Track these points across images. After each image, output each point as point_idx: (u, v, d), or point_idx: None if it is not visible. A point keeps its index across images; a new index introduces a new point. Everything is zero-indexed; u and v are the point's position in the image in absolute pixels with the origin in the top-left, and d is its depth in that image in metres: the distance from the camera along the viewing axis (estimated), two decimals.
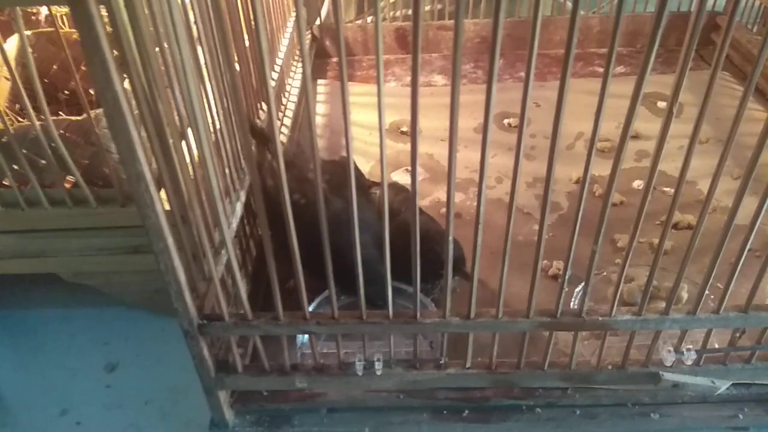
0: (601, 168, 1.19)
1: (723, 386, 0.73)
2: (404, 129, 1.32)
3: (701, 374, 0.72)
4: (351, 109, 1.44)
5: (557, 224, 1.07)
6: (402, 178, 1.18)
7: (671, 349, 0.70)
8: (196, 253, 0.66)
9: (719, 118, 1.29)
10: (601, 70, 1.54)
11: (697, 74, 1.41)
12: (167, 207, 0.57)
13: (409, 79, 1.72)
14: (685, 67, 0.50)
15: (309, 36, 1.65)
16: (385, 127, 1.43)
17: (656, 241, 1.01)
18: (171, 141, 0.57)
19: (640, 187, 1.13)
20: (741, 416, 0.78)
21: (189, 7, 0.67)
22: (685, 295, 0.85)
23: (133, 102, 0.51)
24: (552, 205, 1.12)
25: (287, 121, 1.23)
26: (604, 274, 0.94)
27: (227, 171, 0.79)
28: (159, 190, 0.54)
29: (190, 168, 0.63)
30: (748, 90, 0.52)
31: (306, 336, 0.77)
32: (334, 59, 1.65)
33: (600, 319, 0.66)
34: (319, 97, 1.51)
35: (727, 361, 0.72)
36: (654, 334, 0.69)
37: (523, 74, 0.48)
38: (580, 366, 0.73)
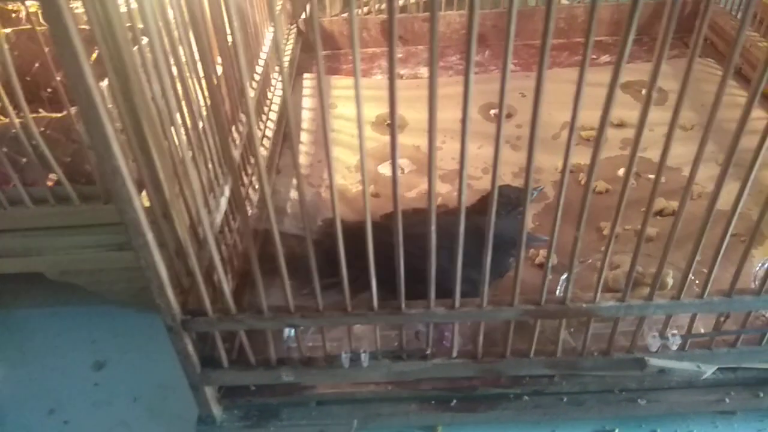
0: (586, 157, 1.19)
1: (709, 371, 0.73)
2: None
3: (687, 359, 0.73)
4: (337, 102, 1.43)
5: (543, 213, 1.07)
6: (389, 170, 1.18)
7: (656, 334, 0.70)
8: (180, 248, 0.65)
9: (704, 105, 1.29)
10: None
11: (682, 62, 1.41)
12: (147, 203, 0.57)
13: (397, 71, 1.71)
14: (662, 53, 0.50)
15: (294, 30, 1.64)
16: (371, 120, 1.41)
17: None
18: (150, 136, 0.56)
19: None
20: (728, 400, 0.78)
21: (167, 1, 0.67)
22: (670, 281, 0.85)
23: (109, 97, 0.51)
24: (538, 195, 1.12)
25: (273, 115, 1.23)
26: (590, 261, 0.94)
27: (210, 166, 0.79)
28: (141, 190, 0.54)
29: (171, 163, 0.63)
30: (727, 73, 0.52)
31: (293, 330, 0.77)
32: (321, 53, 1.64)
33: (584, 306, 0.66)
34: (306, 91, 1.51)
35: (712, 345, 0.72)
36: (639, 320, 0.69)
37: (510, 66, 0.48)
38: (566, 353, 0.73)
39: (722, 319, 0.70)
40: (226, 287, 0.63)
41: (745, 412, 0.80)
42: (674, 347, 0.70)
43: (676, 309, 0.67)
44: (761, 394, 0.78)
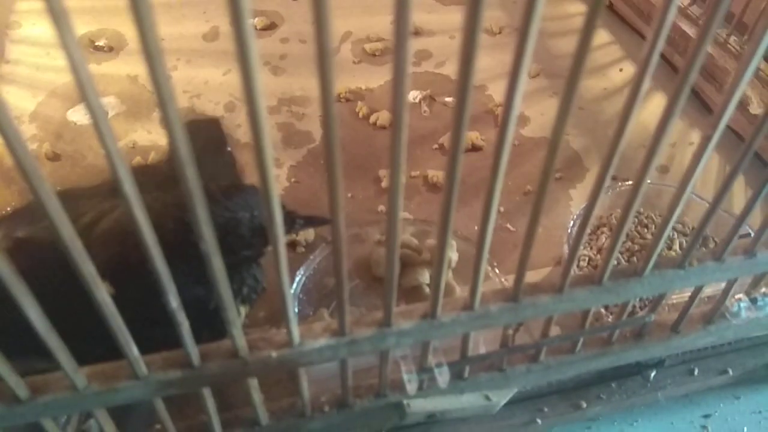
0: (370, 78, 0.89)
1: (503, 400, 0.48)
2: (101, 43, 0.92)
3: (469, 390, 0.47)
4: (22, 20, 0.99)
5: (304, 163, 0.76)
6: (85, 115, 0.80)
7: (412, 369, 0.43)
8: None
9: (516, 2, 1.03)
10: None
11: None
12: None
13: None
14: None
15: None
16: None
17: (432, 173, 0.74)
18: None
19: (417, 100, 0.85)
20: (540, 420, 0.55)
21: None
22: (454, 257, 0.58)
23: None
24: (300, 136, 0.81)
25: None
26: (356, 233, 0.65)
27: None
28: None
29: None
30: None
31: None
32: None
33: (273, 355, 0.37)
34: None
35: (504, 364, 0.47)
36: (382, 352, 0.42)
37: None
38: (282, 414, 0.44)
39: (510, 331, 0.44)
40: None
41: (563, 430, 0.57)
42: (443, 383, 0.43)
43: (430, 334, 0.39)
44: (583, 404, 0.55)
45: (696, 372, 0.57)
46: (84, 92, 0.22)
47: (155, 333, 0.37)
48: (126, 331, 0.32)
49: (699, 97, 0.87)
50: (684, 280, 0.42)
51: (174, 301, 0.31)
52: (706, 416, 0.58)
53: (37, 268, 0.29)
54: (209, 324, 0.44)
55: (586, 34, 0.26)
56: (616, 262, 0.39)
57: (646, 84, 0.28)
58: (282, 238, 0.30)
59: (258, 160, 0.26)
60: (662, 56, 0.61)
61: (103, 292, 0.29)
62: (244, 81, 0.23)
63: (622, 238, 0.37)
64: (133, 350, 0.33)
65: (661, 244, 0.39)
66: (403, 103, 0.26)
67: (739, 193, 0.75)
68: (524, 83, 0.27)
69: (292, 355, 0.36)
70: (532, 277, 0.39)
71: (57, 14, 0.20)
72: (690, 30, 0.87)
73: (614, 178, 0.67)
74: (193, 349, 0.34)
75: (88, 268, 0.28)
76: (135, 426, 0.44)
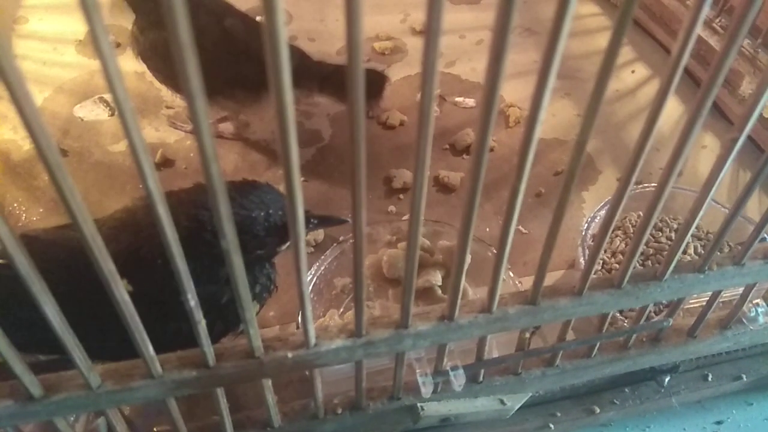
0: None
1: (517, 404, 0.48)
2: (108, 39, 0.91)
3: (483, 393, 0.47)
4: (29, 15, 0.99)
5: (314, 162, 0.76)
6: (92, 111, 0.79)
7: (427, 372, 0.42)
8: None
9: (526, 1, 1.02)
10: None
11: None
12: None
13: None
14: None
15: None
16: (77, 39, 0.96)
17: (444, 173, 0.73)
18: None
19: None
20: (552, 426, 0.54)
21: None
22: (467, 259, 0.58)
23: None
24: (309, 135, 0.80)
25: None
26: (368, 231, 0.65)
27: None
28: None
29: None
30: None
31: None
32: None
33: (289, 355, 0.36)
34: None
35: (519, 368, 0.46)
36: (398, 355, 0.41)
37: None
38: (294, 415, 0.44)
39: (527, 335, 0.43)
40: None
41: None
42: (458, 387, 0.43)
43: (446, 336, 0.39)
44: (597, 409, 0.55)
45: (710, 378, 0.56)
46: (112, 85, 0.21)
47: (165, 329, 0.36)
48: (143, 330, 0.31)
49: None
50: (704, 284, 0.41)
51: (192, 299, 0.30)
52: (719, 422, 0.57)
53: (41, 267, 0.28)
54: (220, 321, 0.43)
55: (611, 53, 0.25)
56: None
57: (668, 100, 0.28)
58: (303, 239, 0.29)
59: (284, 161, 0.26)
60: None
61: (122, 290, 0.28)
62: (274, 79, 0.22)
63: (642, 244, 0.37)
64: (149, 349, 0.33)
65: (681, 248, 0.38)
66: (431, 105, 0.25)
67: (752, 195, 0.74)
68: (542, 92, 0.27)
69: (308, 356, 0.36)
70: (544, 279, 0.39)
71: (88, 7, 0.19)
72: (703, 33, 0.86)
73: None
74: (208, 349, 0.34)
75: (108, 266, 0.27)
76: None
